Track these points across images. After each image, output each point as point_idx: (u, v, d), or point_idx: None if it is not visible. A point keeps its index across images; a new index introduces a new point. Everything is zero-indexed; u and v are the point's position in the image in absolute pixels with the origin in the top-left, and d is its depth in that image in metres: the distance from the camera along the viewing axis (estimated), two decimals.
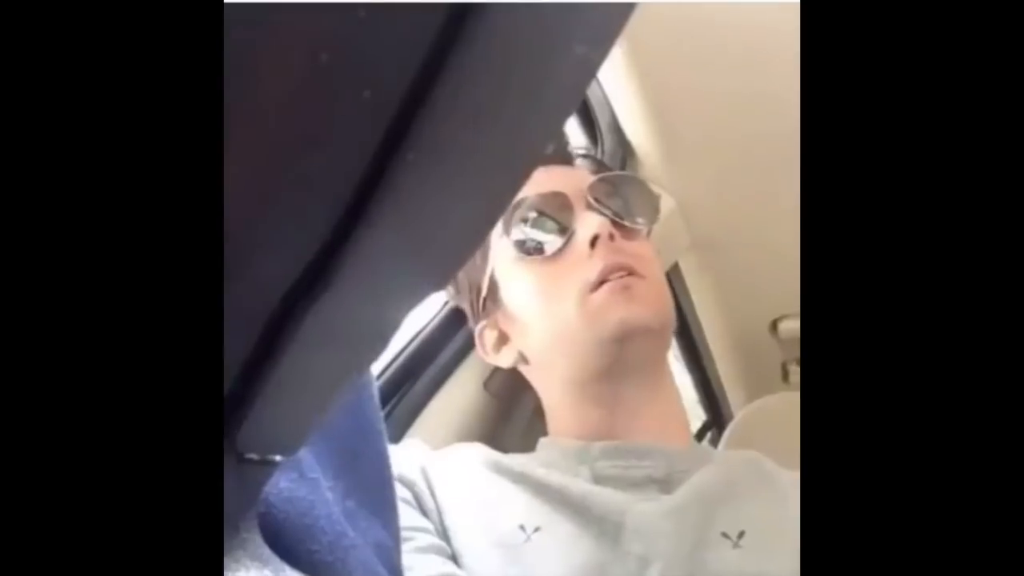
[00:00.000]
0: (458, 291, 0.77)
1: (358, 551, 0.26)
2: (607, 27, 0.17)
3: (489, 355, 0.74)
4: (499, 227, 0.69)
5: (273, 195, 0.14)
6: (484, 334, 0.74)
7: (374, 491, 0.34)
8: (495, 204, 0.19)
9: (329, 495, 0.28)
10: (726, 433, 1.19)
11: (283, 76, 0.12)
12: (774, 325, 1.25)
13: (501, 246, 0.70)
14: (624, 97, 0.92)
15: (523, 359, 0.71)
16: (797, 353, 1.32)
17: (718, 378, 1.41)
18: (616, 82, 0.90)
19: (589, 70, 0.18)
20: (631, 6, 0.18)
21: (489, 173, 0.18)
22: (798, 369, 1.33)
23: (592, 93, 0.94)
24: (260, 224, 0.15)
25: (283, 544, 0.23)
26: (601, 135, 0.97)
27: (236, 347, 0.18)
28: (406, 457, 0.63)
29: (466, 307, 0.76)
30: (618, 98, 0.93)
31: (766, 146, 0.91)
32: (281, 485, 0.25)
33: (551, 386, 0.71)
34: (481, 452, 0.66)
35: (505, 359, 0.73)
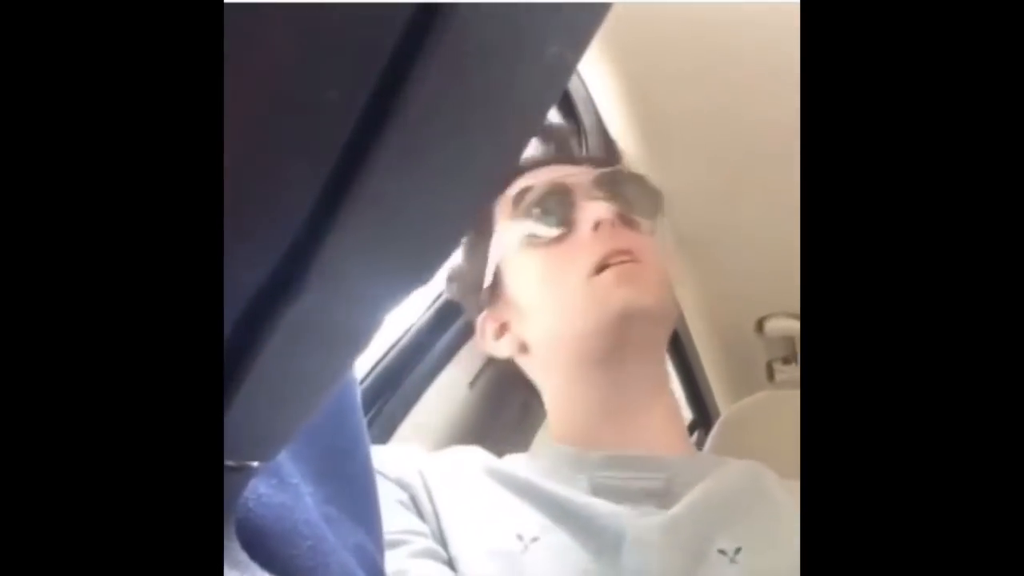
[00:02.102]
0: (458, 283, 0.77)
1: (338, 556, 0.26)
2: (582, 28, 0.17)
3: (488, 345, 0.74)
4: (506, 216, 0.71)
5: (240, 195, 0.14)
6: (484, 325, 0.74)
7: (356, 498, 0.34)
8: (470, 204, 0.19)
9: (309, 500, 0.27)
10: (712, 432, 1.19)
11: (249, 75, 0.12)
12: (760, 324, 1.25)
13: (506, 235, 0.71)
14: (608, 95, 0.92)
15: (523, 348, 0.71)
16: (783, 352, 1.32)
17: (704, 377, 1.41)
18: (600, 81, 0.90)
19: (564, 71, 0.18)
20: (606, 7, 0.17)
21: (463, 173, 0.18)
22: (784, 368, 1.33)
23: (576, 92, 0.94)
24: (233, 223, 0.15)
25: (262, 549, 0.23)
26: (585, 134, 0.97)
27: None
28: (404, 460, 0.63)
29: (467, 300, 0.77)
30: (602, 97, 0.93)
31: (753, 146, 0.92)
32: (260, 491, 0.25)
33: (551, 375, 0.71)
34: (480, 457, 0.66)
35: (504, 348, 0.73)
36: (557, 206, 0.69)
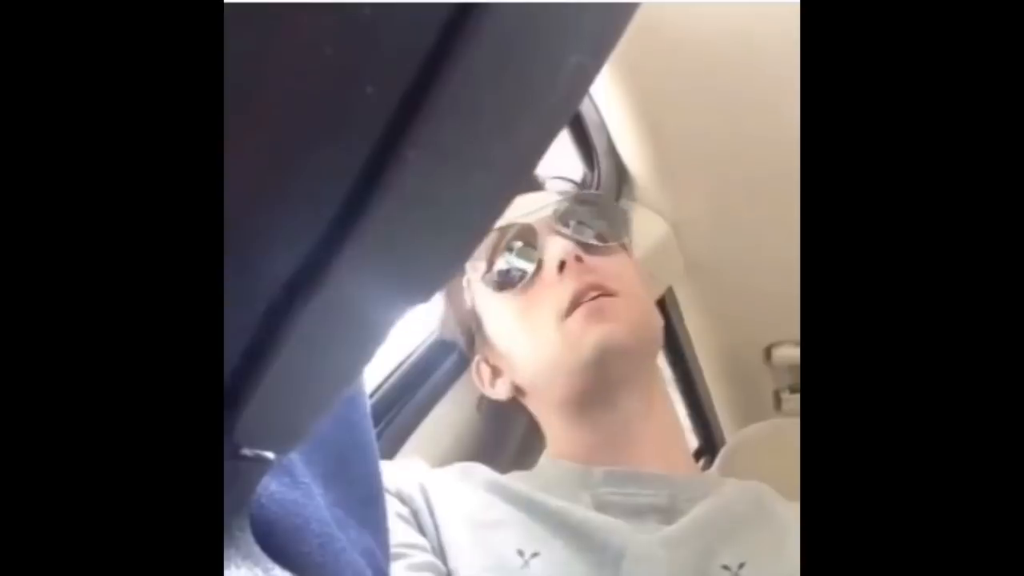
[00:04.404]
0: (450, 328, 0.78)
1: (348, 555, 0.26)
2: (602, 38, 0.18)
3: (487, 389, 0.75)
4: (478, 265, 0.70)
5: (272, 188, 0.15)
6: (480, 369, 0.75)
7: (364, 503, 0.34)
8: (490, 208, 0.19)
9: (320, 500, 0.28)
10: (718, 459, 1.18)
11: (288, 68, 0.13)
12: (768, 352, 1.25)
13: (478, 284, 0.71)
14: (620, 121, 0.93)
15: (519, 390, 0.72)
16: (790, 380, 1.32)
17: (711, 404, 1.41)
18: (612, 106, 0.91)
19: (585, 80, 0.19)
20: (627, 18, 0.18)
21: (486, 176, 0.18)
22: (791, 396, 1.32)
23: (588, 117, 0.95)
24: (258, 217, 0.15)
25: (274, 544, 0.23)
26: (597, 159, 0.98)
27: (232, 342, 0.18)
28: (406, 474, 0.63)
29: (461, 342, 0.77)
30: (614, 122, 0.94)
31: (763, 173, 0.92)
32: (272, 488, 0.25)
33: (548, 413, 0.71)
34: (482, 472, 0.66)
35: (501, 392, 0.73)
36: (523, 248, 0.69)
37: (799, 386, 1.31)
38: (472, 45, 0.14)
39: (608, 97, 0.90)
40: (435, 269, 0.20)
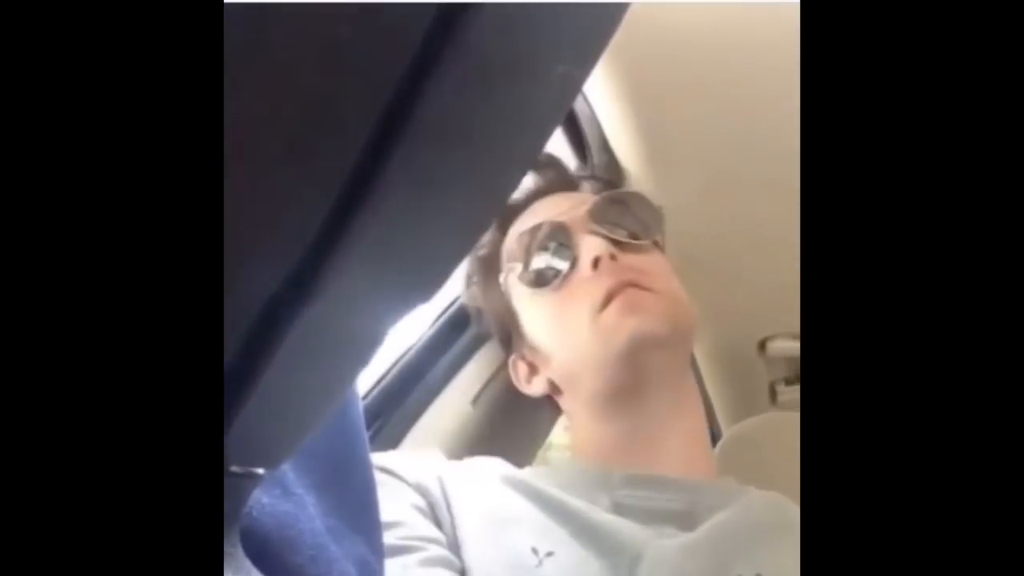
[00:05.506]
0: (487, 325, 0.79)
1: (341, 565, 0.26)
2: (588, 47, 0.18)
3: (523, 386, 0.76)
4: (514, 265, 0.71)
5: (255, 204, 0.15)
6: (517, 366, 0.76)
7: (357, 510, 0.34)
8: (477, 219, 0.19)
9: (313, 510, 0.27)
10: (714, 453, 1.18)
11: (267, 86, 0.12)
12: (762, 345, 1.25)
13: (514, 283, 0.72)
14: (613, 115, 0.92)
15: (554, 388, 0.72)
16: (785, 373, 1.32)
17: (707, 398, 1.41)
18: (605, 100, 0.91)
19: (571, 89, 0.18)
20: (614, 25, 0.18)
21: (472, 188, 0.18)
22: (787, 389, 1.33)
23: (581, 111, 0.95)
24: (242, 232, 0.15)
25: (266, 557, 0.23)
26: (590, 154, 0.98)
27: None
28: (424, 465, 0.63)
29: (498, 340, 0.78)
30: (607, 116, 0.93)
31: (758, 165, 0.92)
32: (264, 500, 0.25)
33: (580, 410, 0.71)
34: (500, 467, 0.66)
35: (537, 388, 0.74)
36: (558, 247, 0.70)
37: (795, 379, 1.31)
38: (453, 58, 0.14)
39: (602, 91, 0.90)
40: (422, 281, 0.20)
